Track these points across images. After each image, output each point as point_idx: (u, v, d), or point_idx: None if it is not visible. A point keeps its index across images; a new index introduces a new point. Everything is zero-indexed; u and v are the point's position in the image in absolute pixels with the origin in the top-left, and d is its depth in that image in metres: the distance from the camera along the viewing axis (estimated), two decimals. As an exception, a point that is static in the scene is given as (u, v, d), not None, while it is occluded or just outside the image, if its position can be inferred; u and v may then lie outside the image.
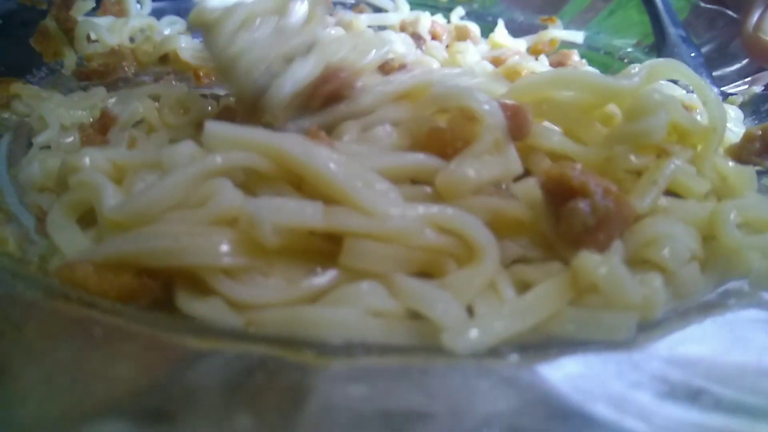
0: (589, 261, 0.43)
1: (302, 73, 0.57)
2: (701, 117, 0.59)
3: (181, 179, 0.46)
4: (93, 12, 0.94)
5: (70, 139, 0.64)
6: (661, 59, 0.62)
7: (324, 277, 0.44)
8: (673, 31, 0.93)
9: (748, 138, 0.58)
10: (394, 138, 0.55)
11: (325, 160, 0.46)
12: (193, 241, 0.43)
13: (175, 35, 0.88)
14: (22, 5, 0.87)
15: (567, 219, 0.46)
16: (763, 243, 0.49)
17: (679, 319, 0.46)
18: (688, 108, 0.63)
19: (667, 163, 0.51)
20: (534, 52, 1.07)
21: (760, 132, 0.58)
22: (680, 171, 0.52)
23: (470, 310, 0.44)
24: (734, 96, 0.81)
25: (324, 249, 0.46)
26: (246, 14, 0.58)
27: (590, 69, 0.57)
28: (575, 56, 1.01)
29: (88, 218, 0.50)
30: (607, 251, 0.46)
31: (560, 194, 0.47)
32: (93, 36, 0.89)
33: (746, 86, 0.91)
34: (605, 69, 1.03)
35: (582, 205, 0.46)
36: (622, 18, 1.07)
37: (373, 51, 0.63)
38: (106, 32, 0.89)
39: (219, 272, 0.43)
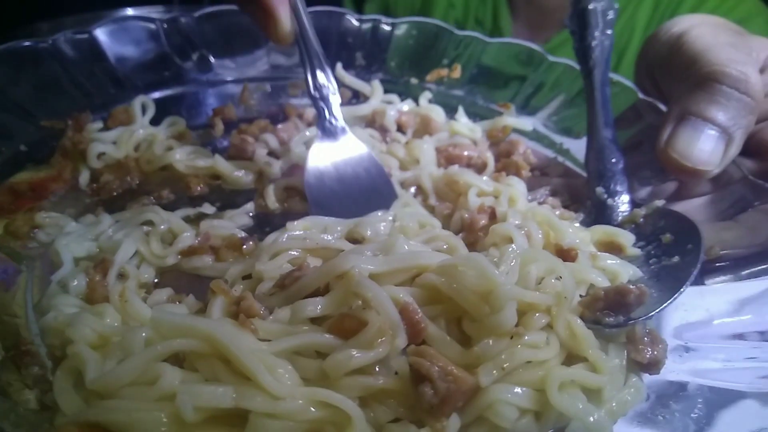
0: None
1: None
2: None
3: (136, 364, 0.64)
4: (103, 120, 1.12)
5: (75, 283, 0.82)
6: (529, 251, 0.76)
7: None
8: (602, 133, 1.03)
9: (594, 297, 0.72)
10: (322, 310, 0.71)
11: (244, 348, 0.64)
12: (140, 416, 0.61)
13: (170, 151, 1.06)
14: (43, 130, 1.05)
15: (420, 397, 0.62)
16: (577, 409, 0.64)
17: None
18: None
19: (518, 350, 0.66)
20: (490, 136, 1.20)
21: (603, 293, 0.72)
22: (527, 352, 0.66)
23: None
24: (639, 209, 0.92)
25: (238, 414, 0.63)
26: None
27: (481, 257, 0.71)
28: (522, 147, 1.13)
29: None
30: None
31: (416, 375, 0.63)
32: (102, 148, 1.07)
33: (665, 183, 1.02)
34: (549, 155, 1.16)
35: (427, 388, 0.61)
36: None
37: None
38: (113, 147, 1.07)
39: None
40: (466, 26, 1.95)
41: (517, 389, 0.65)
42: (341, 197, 0.98)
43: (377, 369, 0.66)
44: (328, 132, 1.02)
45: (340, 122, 1.03)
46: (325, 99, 1.02)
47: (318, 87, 1.01)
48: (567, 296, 0.70)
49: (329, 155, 1.01)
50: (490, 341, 0.66)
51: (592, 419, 0.63)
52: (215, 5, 1.28)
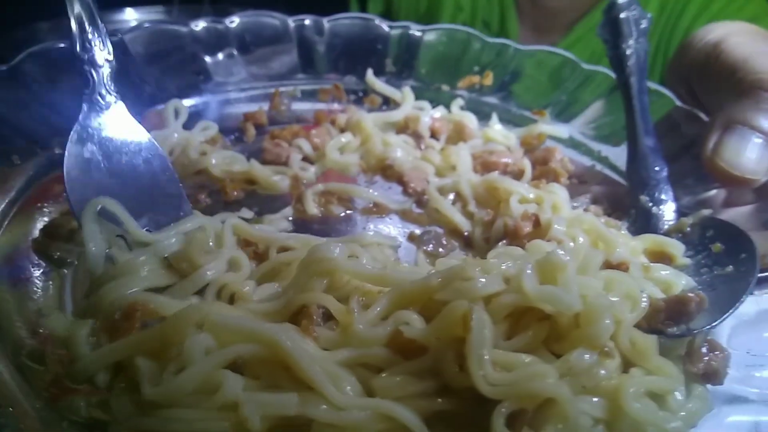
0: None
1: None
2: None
3: (198, 373, 0.62)
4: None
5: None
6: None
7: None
8: (643, 142, 1.02)
9: (654, 309, 0.70)
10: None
11: (307, 356, 0.62)
12: (203, 426, 0.60)
13: (207, 156, 1.05)
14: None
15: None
16: (656, 417, 0.63)
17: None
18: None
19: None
20: (525, 143, 1.19)
21: (663, 304, 0.71)
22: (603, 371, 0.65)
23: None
24: (685, 218, 0.92)
25: (300, 423, 0.62)
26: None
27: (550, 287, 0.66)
28: (558, 154, 1.12)
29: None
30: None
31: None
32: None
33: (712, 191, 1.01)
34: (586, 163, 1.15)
35: None
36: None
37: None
38: (148, 152, 1.06)
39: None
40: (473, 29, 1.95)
41: (593, 399, 0.64)
42: (114, 194, 0.78)
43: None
44: (97, 107, 0.82)
45: (111, 97, 0.84)
46: (93, 63, 0.83)
47: (86, 47, 0.82)
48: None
49: (97, 138, 0.81)
50: (586, 355, 0.64)
51: (671, 426, 0.62)
52: (216, 4, 1.28)
